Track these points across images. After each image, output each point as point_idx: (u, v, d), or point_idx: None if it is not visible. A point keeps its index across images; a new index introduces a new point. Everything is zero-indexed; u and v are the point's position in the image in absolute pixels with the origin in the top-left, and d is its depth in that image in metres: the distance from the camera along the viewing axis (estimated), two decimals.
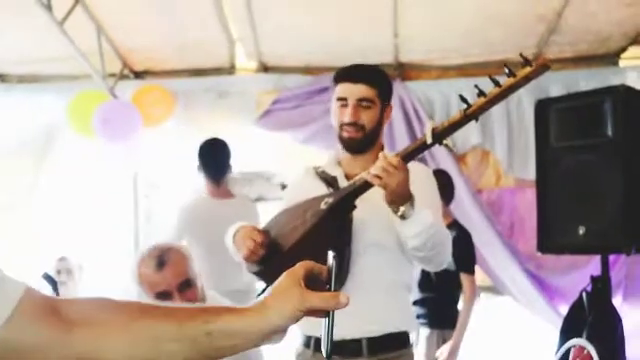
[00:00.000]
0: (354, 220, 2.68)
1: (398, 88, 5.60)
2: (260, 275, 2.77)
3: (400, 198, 2.49)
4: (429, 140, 2.44)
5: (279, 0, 5.04)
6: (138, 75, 5.99)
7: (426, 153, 5.43)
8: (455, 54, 5.62)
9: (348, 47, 5.49)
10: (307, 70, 5.78)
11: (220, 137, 5.08)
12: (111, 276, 5.63)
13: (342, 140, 2.81)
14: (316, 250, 2.61)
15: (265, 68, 5.87)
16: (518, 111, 5.47)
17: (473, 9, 5.02)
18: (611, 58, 5.57)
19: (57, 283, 5.11)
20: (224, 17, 5.20)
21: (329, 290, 1.22)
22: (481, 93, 2.38)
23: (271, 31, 5.36)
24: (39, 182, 5.93)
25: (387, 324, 2.76)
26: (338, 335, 2.67)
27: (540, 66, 2.33)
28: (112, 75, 5.72)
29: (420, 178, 2.74)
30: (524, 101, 5.42)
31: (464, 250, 4.82)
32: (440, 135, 2.45)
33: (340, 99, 2.77)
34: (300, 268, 1.23)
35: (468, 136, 5.56)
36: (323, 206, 2.66)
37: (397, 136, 5.54)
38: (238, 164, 5.24)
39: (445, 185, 4.86)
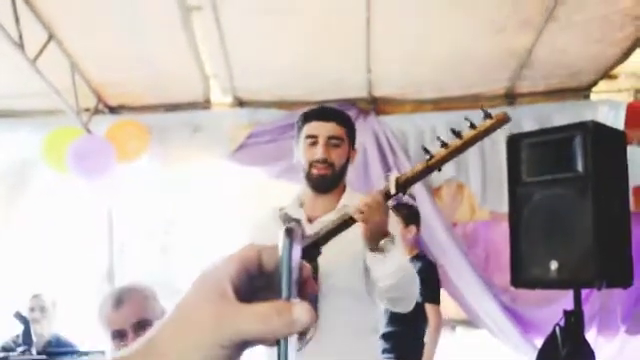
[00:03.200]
0: (321, 264, 2.68)
1: (372, 122, 5.65)
2: None
3: (380, 234, 2.54)
4: (393, 190, 2.48)
5: (253, 36, 5.04)
6: (113, 110, 5.98)
7: None
8: (429, 88, 5.65)
9: (322, 82, 5.53)
10: (281, 105, 5.79)
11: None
12: (85, 313, 5.58)
13: (311, 178, 2.83)
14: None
15: (240, 103, 5.87)
16: (492, 144, 5.49)
17: (446, 44, 5.06)
18: (582, 92, 5.62)
19: (29, 322, 5.08)
20: (198, 53, 5.21)
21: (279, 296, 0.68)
22: (443, 144, 2.42)
23: (245, 67, 5.37)
24: (13, 218, 5.89)
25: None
26: None
27: (499, 120, 2.42)
28: (87, 110, 5.71)
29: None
30: (497, 134, 5.41)
31: (429, 281, 4.82)
32: (403, 185, 2.49)
33: (310, 137, 2.80)
34: (230, 262, 0.71)
35: (443, 169, 5.57)
36: None
37: (371, 170, 5.56)
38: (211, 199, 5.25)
39: (413, 218, 4.90)
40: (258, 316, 0.66)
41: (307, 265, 0.73)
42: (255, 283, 0.72)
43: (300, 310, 0.66)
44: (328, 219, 2.77)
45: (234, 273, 0.70)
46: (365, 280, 2.73)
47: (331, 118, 2.81)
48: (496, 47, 5.06)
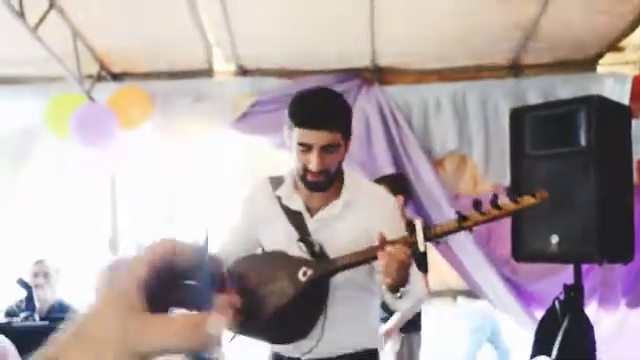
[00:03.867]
0: (330, 254, 2.67)
1: (376, 92, 5.61)
2: (240, 334, 2.75)
3: (401, 284, 2.50)
4: (421, 247, 2.48)
5: (255, 4, 5.00)
6: (115, 77, 5.95)
7: (403, 155, 5.48)
8: (433, 58, 5.61)
9: (326, 51, 5.50)
10: (284, 74, 5.76)
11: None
12: (88, 280, 5.61)
13: (305, 181, 2.69)
14: (290, 318, 2.65)
15: (243, 71, 5.84)
16: (495, 116, 5.47)
17: (450, 14, 5.01)
18: (589, 64, 5.58)
19: (32, 288, 5.12)
20: (200, 22, 5.17)
21: (198, 304, 0.63)
22: (478, 210, 2.43)
23: (248, 35, 5.34)
24: (16, 184, 5.89)
25: (356, 344, 2.79)
26: (311, 356, 2.71)
27: (542, 199, 2.49)
28: (89, 77, 5.69)
29: (388, 208, 2.76)
30: (501, 106, 5.42)
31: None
32: (430, 239, 2.51)
33: (302, 144, 2.60)
34: (138, 265, 0.66)
35: (446, 141, 5.57)
36: (302, 277, 2.61)
37: (374, 141, 5.53)
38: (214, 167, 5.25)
39: (400, 187, 4.88)
40: (172, 331, 0.62)
41: (228, 275, 0.69)
42: (167, 283, 0.67)
43: (215, 324, 0.63)
44: (329, 213, 2.72)
45: (143, 277, 0.65)
46: (370, 274, 2.73)
47: (324, 126, 2.57)
48: (501, 18, 5.02)
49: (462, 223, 2.46)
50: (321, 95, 2.73)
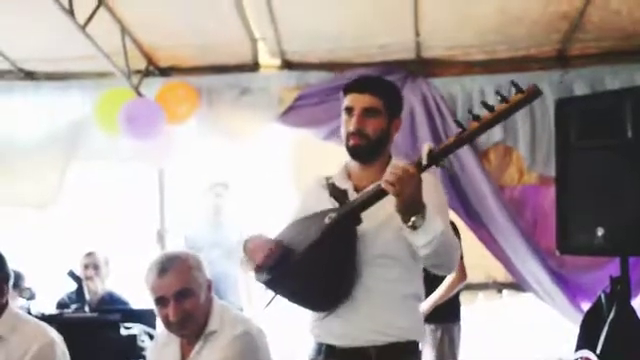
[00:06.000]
0: (364, 230, 2.68)
1: (420, 84, 5.61)
2: (268, 284, 2.80)
3: (411, 208, 2.48)
4: (425, 162, 2.46)
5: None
6: (163, 72, 6.03)
7: None
8: (478, 50, 5.57)
9: (370, 44, 5.51)
10: (330, 67, 5.77)
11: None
12: (137, 271, 5.71)
13: (348, 149, 2.83)
14: (319, 264, 2.68)
15: (288, 65, 5.88)
16: (542, 108, 5.41)
17: (495, 6, 4.98)
18: (637, 54, 5.48)
19: (82, 280, 5.22)
20: (245, 16, 5.22)
21: None
22: (475, 117, 2.40)
23: (293, 29, 5.37)
24: (66, 178, 6.01)
25: (396, 334, 2.75)
26: (347, 343, 2.73)
27: (531, 93, 2.39)
28: (137, 72, 5.79)
29: (427, 187, 2.76)
30: (548, 98, 5.35)
31: None
32: (436, 157, 2.47)
33: (347, 109, 2.81)
34: None
35: (491, 132, 5.52)
36: (327, 220, 2.68)
37: (419, 133, 5.52)
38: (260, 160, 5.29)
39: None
40: None
41: None
42: None
43: None
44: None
45: None
46: (407, 247, 2.72)
47: (366, 89, 2.79)
48: (547, 8, 4.97)
49: (461, 134, 2.44)
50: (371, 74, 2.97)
